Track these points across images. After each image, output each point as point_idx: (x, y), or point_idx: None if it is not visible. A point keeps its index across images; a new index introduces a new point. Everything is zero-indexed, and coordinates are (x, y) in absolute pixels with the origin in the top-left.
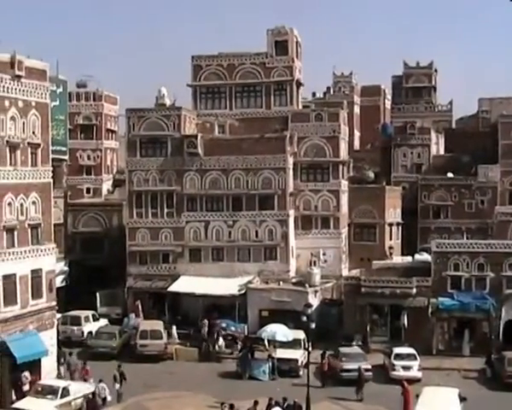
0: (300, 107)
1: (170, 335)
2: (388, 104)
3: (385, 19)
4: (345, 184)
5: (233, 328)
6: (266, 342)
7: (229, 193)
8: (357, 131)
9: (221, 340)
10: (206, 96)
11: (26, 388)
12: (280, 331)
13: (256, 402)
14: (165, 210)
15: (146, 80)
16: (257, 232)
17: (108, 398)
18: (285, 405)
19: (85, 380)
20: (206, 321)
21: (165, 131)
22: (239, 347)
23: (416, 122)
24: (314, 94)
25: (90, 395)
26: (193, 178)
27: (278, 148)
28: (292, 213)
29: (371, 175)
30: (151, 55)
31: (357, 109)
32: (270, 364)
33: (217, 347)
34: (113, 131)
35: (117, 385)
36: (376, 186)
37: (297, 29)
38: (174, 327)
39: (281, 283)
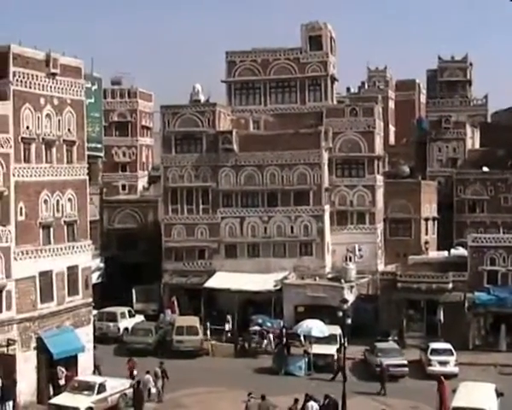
0: (335, 102)
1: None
2: (423, 98)
3: (419, 12)
4: (380, 179)
5: (268, 324)
6: (302, 338)
7: (265, 189)
8: (392, 126)
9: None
10: (240, 91)
11: (62, 384)
12: (316, 327)
13: (296, 400)
14: (201, 206)
15: (180, 77)
16: (292, 228)
17: (153, 390)
18: (326, 402)
19: (131, 373)
20: (229, 317)
21: (199, 128)
22: (265, 342)
23: (452, 116)
24: (348, 89)
25: (136, 385)
26: (228, 175)
27: (313, 143)
28: (327, 208)
29: (406, 170)
30: (185, 51)
31: (391, 104)
32: (306, 359)
33: (253, 344)
34: (148, 128)
35: (159, 382)
36: (412, 181)
37: (331, 24)
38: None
39: (316, 278)
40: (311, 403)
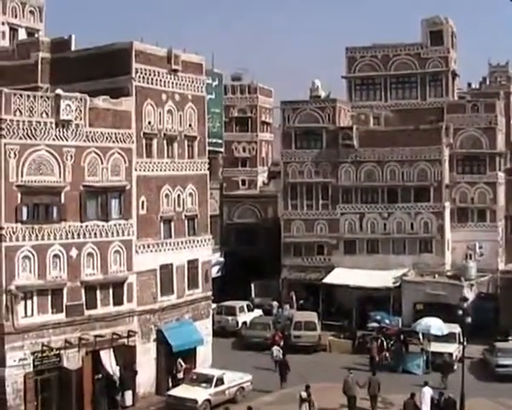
0: (456, 98)
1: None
2: None
3: None
4: (501, 176)
5: (387, 321)
6: (420, 336)
7: (385, 185)
8: None
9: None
10: (360, 87)
11: (181, 376)
12: (434, 325)
13: (413, 395)
14: (320, 202)
15: (300, 72)
16: (412, 225)
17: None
18: (442, 399)
19: (278, 345)
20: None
21: (319, 123)
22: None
23: None
24: (469, 84)
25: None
26: (348, 170)
27: (434, 139)
28: (448, 205)
29: None
30: (305, 47)
31: None
32: (424, 358)
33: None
34: (267, 124)
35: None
36: None
37: (452, 19)
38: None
39: (436, 276)
40: (426, 388)
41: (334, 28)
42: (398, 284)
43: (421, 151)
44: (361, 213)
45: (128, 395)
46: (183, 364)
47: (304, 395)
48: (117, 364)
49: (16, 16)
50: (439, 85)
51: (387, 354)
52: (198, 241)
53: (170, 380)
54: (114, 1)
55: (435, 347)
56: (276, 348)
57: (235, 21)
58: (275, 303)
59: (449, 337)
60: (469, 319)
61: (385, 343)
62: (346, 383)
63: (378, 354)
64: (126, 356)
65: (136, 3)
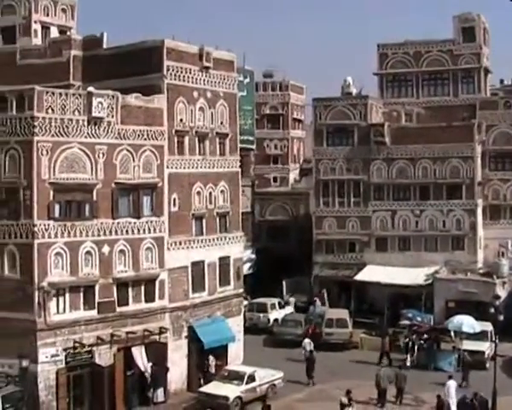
0: (488, 94)
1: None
2: None
3: None
4: None
5: (419, 318)
6: (452, 334)
7: (417, 182)
8: None
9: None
10: (392, 84)
11: (212, 372)
12: (467, 323)
13: (439, 397)
14: (352, 199)
15: (331, 69)
16: (444, 222)
17: (313, 352)
18: (476, 399)
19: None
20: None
21: (351, 120)
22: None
23: None
24: (502, 81)
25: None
26: (380, 168)
27: (466, 136)
28: (480, 202)
29: None
30: (336, 43)
31: None
32: (456, 356)
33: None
34: (299, 121)
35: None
36: None
37: (484, 15)
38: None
39: (468, 273)
40: (451, 381)
41: (366, 24)
42: (430, 281)
43: (454, 148)
44: (393, 211)
45: (160, 391)
46: (214, 361)
47: (344, 400)
48: (148, 360)
49: (48, 14)
50: (472, 82)
51: (413, 356)
52: (229, 238)
53: (201, 377)
54: None
55: (467, 345)
56: (307, 341)
57: (267, 18)
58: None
59: (481, 335)
60: (501, 317)
61: (415, 344)
62: (377, 376)
63: (407, 353)
64: (158, 353)
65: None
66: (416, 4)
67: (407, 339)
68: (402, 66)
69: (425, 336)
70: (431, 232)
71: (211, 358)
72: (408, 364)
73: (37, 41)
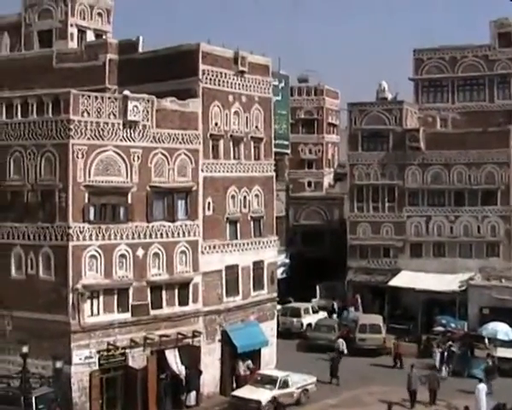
0: None
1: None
2: None
3: None
4: None
5: (453, 325)
6: (486, 341)
7: (451, 188)
8: None
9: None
10: (427, 89)
11: (245, 376)
12: (501, 330)
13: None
14: (387, 204)
15: (366, 74)
16: (479, 228)
17: (345, 351)
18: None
19: (356, 308)
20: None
21: (386, 125)
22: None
23: None
24: None
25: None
26: (414, 173)
27: (502, 142)
28: None
29: None
30: (371, 48)
31: None
32: (490, 363)
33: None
34: (334, 125)
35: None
36: None
37: None
38: None
39: (503, 280)
40: (481, 385)
41: (401, 29)
42: (464, 287)
43: (489, 154)
44: (427, 216)
45: (192, 395)
46: (248, 365)
47: None
48: (182, 364)
49: (84, 18)
50: (508, 87)
51: (450, 368)
52: (264, 242)
53: (234, 381)
54: (182, 2)
55: (502, 352)
56: (340, 341)
57: (303, 23)
58: (351, 309)
59: None
60: None
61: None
62: (409, 378)
63: (442, 364)
64: (191, 356)
65: (203, 4)
66: (451, 8)
67: (442, 349)
68: (437, 71)
69: (458, 342)
70: (466, 238)
71: (244, 362)
72: (444, 374)
73: (73, 45)
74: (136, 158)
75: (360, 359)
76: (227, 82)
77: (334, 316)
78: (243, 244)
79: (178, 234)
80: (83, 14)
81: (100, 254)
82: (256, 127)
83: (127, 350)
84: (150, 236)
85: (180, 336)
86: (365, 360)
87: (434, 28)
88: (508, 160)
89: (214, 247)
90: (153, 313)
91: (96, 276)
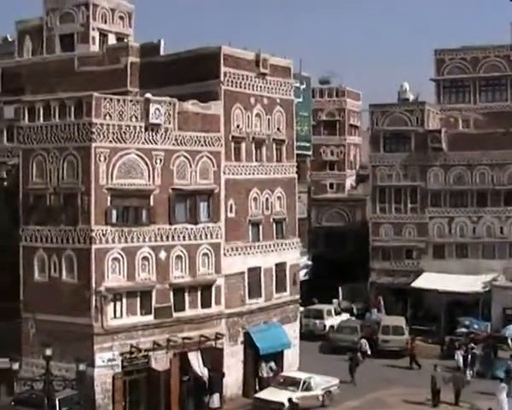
0: None
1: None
2: None
3: None
4: None
5: (476, 326)
6: (510, 342)
7: (474, 189)
8: None
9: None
10: (449, 90)
11: (268, 378)
12: None
13: None
14: (409, 206)
15: (387, 75)
16: (502, 229)
17: (368, 352)
18: None
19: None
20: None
21: (408, 126)
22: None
23: None
24: None
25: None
26: (437, 174)
27: None
28: None
29: None
30: (392, 49)
31: None
32: None
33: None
34: (356, 127)
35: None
36: None
37: None
38: None
39: None
40: (502, 385)
41: (422, 30)
42: (487, 288)
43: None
44: (450, 217)
45: (215, 397)
46: (271, 367)
47: None
48: (204, 366)
49: (106, 22)
50: None
51: (474, 371)
52: (286, 244)
53: (257, 383)
54: (203, 5)
55: None
56: (363, 341)
57: (324, 25)
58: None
59: None
60: None
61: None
62: (432, 378)
63: (465, 366)
64: (214, 358)
65: (224, 6)
66: (472, 9)
67: (465, 351)
68: (459, 71)
69: (481, 344)
70: (488, 239)
71: (267, 364)
72: (468, 378)
73: (94, 48)
74: (158, 161)
75: (382, 360)
76: (248, 84)
77: (353, 319)
78: (265, 246)
79: (201, 236)
80: (104, 17)
81: (122, 257)
82: (278, 129)
83: (150, 352)
84: (173, 238)
85: (203, 339)
86: (388, 361)
87: (456, 29)
88: None
89: (236, 249)
90: (175, 315)
91: (118, 278)
